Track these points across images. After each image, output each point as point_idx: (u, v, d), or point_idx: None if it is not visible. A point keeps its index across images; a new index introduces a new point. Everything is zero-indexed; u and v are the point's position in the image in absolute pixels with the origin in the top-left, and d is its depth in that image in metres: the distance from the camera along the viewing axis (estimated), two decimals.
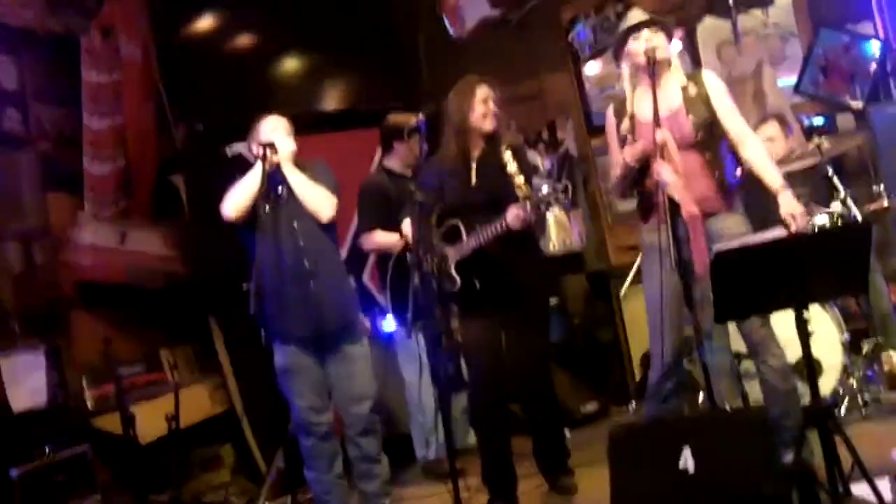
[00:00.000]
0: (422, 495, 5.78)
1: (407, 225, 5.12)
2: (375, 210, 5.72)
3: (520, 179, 4.76)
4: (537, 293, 5.11)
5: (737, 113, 4.54)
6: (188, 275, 6.77)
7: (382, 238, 5.67)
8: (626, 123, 4.52)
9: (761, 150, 4.53)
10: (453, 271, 4.93)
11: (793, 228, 4.26)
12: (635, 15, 4.60)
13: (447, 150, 5.04)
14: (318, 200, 4.98)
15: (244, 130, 5.19)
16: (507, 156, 4.87)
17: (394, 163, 5.86)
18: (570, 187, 4.57)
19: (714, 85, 4.54)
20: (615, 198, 4.69)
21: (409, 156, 5.75)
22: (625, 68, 4.62)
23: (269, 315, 4.85)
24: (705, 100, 4.48)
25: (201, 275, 6.66)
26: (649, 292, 4.57)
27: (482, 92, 4.97)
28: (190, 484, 6.34)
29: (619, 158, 4.56)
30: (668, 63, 4.54)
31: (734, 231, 4.39)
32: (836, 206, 5.65)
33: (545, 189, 4.60)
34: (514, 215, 4.69)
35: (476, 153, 5.02)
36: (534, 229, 5.03)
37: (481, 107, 4.95)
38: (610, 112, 4.68)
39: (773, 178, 4.43)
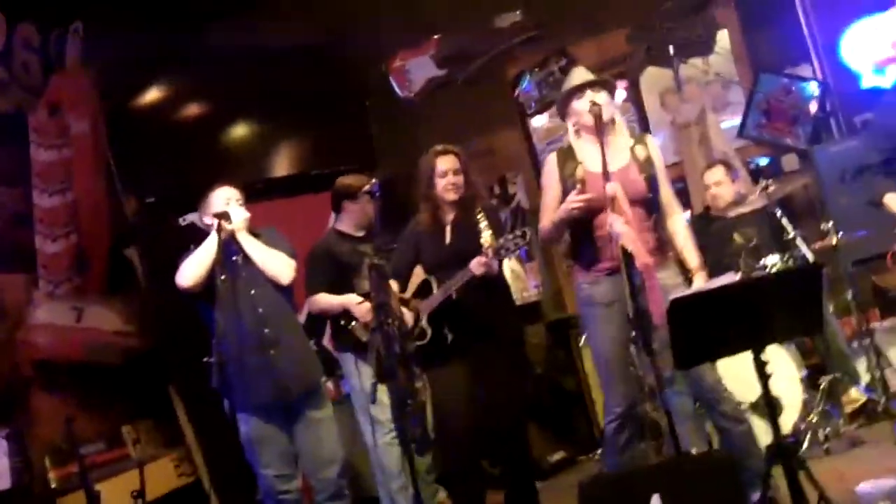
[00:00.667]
0: None
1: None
2: (321, 273, 5.72)
3: (486, 234, 4.94)
4: (509, 338, 5.18)
5: (669, 183, 4.73)
6: (146, 348, 6.72)
7: (326, 301, 5.67)
8: (579, 170, 4.60)
9: (685, 227, 4.73)
10: (425, 324, 5.05)
11: None
12: (578, 74, 4.74)
13: (421, 215, 5.22)
14: (277, 265, 5.01)
15: (196, 200, 5.21)
16: (480, 216, 5.04)
17: (345, 225, 5.86)
18: (527, 233, 4.70)
19: (657, 149, 4.73)
20: (544, 243, 4.88)
21: (362, 217, 5.76)
22: (570, 125, 4.73)
23: (231, 386, 4.83)
24: (650, 161, 4.63)
25: (160, 347, 6.62)
26: (597, 345, 4.69)
27: (442, 164, 5.13)
28: None
29: (553, 204, 4.67)
30: (613, 121, 4.67)
31: (671, 282, 4.54)
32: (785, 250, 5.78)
33: (505, 236, 4.77)
34: (476, 262, 4.84)
35: (450, 217, 5.19)
36: (502, 276, 5.16)
37: (442, 180, 5.12)
38: (552, 158, 4.78)
39: (691, 257, 4.64)
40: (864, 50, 7.00)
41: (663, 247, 4.62)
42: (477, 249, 4.92)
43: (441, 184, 5.11)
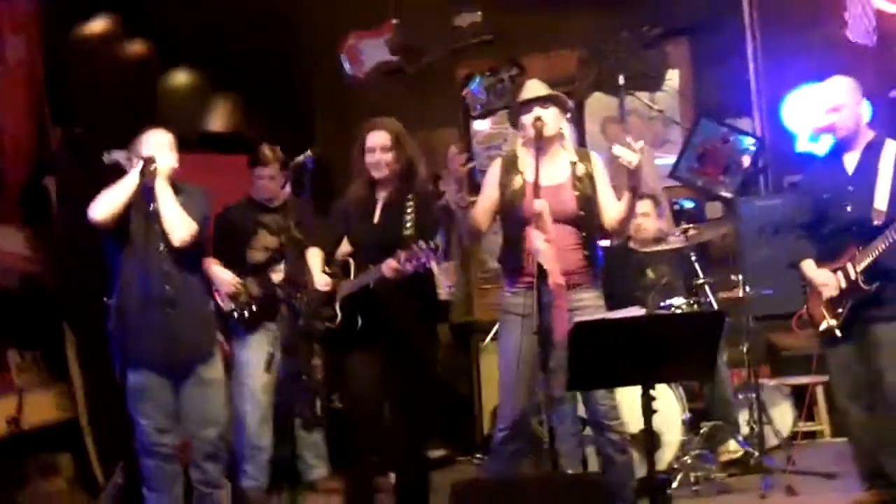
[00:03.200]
0: None
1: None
2: (217, 239, 5.76)
3: (409, 224, 4.85)
4: (418, 338, 5.08)
5: (611, 191, 4.77)
6: (48, 278, 6.65)
7: (208, 268, 5.65)
8: (517, 181, 4.70)
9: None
10: (338, 308, 5.00)
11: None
12: (532, 87, 4.81)
13: (354, 189, 5.14)
14: (175, 223, 4.91)
15: (126, 139, 5.15)
16: (410, 202, 4.94)
17: (255, 192, 5.97)
18: (440, 246, 4.66)
19: (600, 165, 4.79)
20: (470, 237, 4.90)
21: (269, 187, 5.90)
22: (520, 136, 4.82)
23: (125, 334, 4.84)
24: (591, 178, 4.71)
25: (61, 280, 6.55)
26: (504, 353, 4.75)
27: (372, 140, 5.03)
28: (24, 490, 6.19)
29: (487, 204, 4.78)
30: (560, 137, 4.76)
31: (591, 304, 4.63)
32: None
33: (419, 244, 4.68)
34: (388, 265, 4.76)
35: (383, 194, 5.09)
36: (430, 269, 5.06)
37: (370, 155, 5.02)
38: (497, 163, 4.88)
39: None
40: (804, 114, 7.20)
41: (591, 268, 4.67)
42: (402, 236, 4.85)
43: (369, 159, 5.01)
